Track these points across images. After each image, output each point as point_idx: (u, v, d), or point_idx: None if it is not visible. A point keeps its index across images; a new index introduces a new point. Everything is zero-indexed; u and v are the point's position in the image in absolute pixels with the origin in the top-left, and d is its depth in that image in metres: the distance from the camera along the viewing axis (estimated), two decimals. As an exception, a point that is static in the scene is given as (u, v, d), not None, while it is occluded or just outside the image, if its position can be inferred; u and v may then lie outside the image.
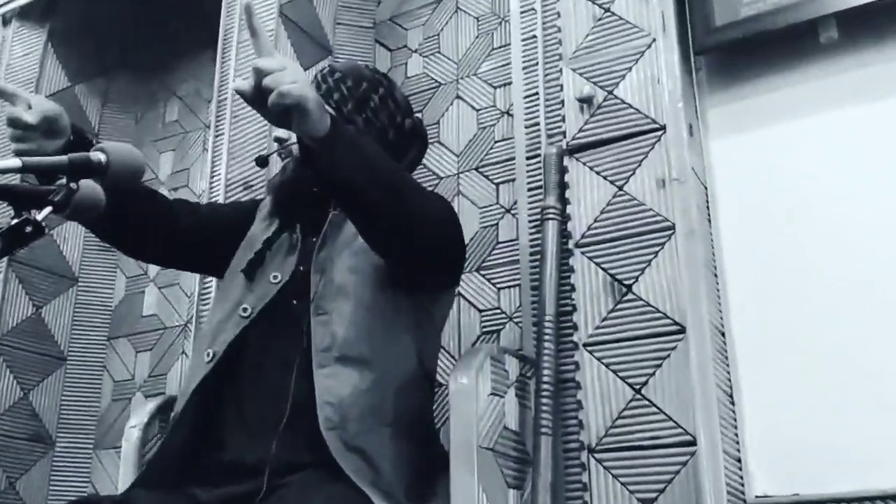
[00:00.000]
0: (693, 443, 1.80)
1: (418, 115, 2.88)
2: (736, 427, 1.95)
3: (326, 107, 1.58)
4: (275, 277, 1.89)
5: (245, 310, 1.86)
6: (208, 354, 1.85)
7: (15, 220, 1.38)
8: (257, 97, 1.50)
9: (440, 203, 1.92)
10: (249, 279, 1.92)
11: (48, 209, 1.40)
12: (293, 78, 1.49)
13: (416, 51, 3.07)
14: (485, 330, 2.55)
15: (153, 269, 3.51)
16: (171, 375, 3.26)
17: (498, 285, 2.57)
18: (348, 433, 1.68)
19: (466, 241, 2.52)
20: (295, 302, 1.85)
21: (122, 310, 3.53)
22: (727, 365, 1.99)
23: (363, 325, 1.79)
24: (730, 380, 1.98)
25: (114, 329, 3.51)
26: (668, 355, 1.88)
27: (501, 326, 2.52)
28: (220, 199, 2.75)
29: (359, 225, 1.75)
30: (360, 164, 1.64)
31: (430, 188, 2.76)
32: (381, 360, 1.78)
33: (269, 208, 2.06)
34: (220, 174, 2.82)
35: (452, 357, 2.54)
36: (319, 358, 1.74)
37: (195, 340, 1.97)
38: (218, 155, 2.86)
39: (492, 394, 1.91)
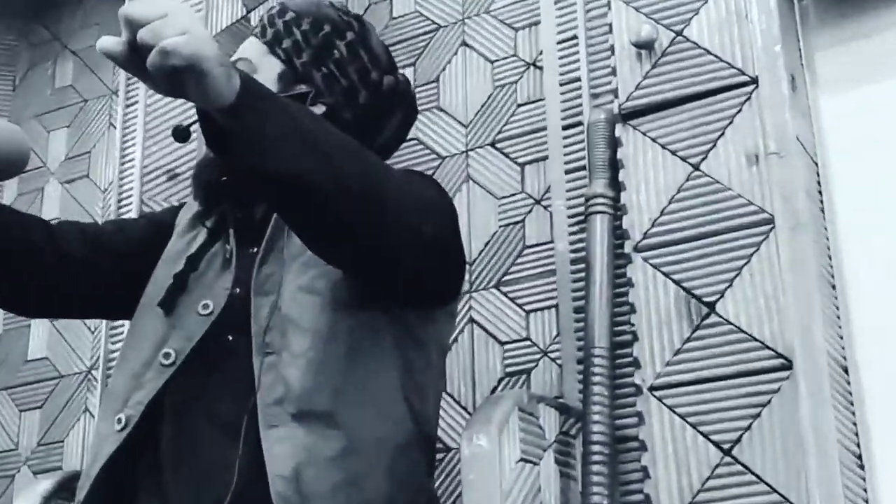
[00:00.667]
0: (807, 524, 1.80)
1: (406, 70, 2.89)
2: (867, 501, 1.94)
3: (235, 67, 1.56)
4: (205, 307, 1.87)
5: (168, 355, 1.85)
6: (119, 421, 1.84)
7: None
8: (132, 57, 1.47)
9: (428, 190, 1.90)
10: (169, 312, 1.91)
11: None
12: (181, 27, 1.43)
13: (404, -20, 3.08)
14: (509, 370, 2.54)
15: (42, 294, 3.51)
16: (69, 443, 3.25)
17: (526, 307, 2.56)
18: None
19: (481, 246, 2.52)
20: (231, 337, 1.84)
21: None
22: (853, 413, 1.99)
23: (327, 368, 1.77)
24: (857, 435, 1.97)
25: (-13, 379, 3.51)
26: (769, 401, 1.88)
27: (533, 364, 2.52)
28: (135, 193, 2.75)
29: (306, 236, 1.72)
30: (300, 142, 1.59)
31: (417, 169, 2.76)
32: (354, 416, 1.76)
33: (192, 213, 2.06)
34: (133, 159, 2.83)
35: (464, 408, 2.53)
36: (268, 415, 1.72)
37: (102, 400, 1.96)
38: (130, 132, 2.87)
39: (521, 460, 1.91)
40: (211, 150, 1.62)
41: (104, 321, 2.75)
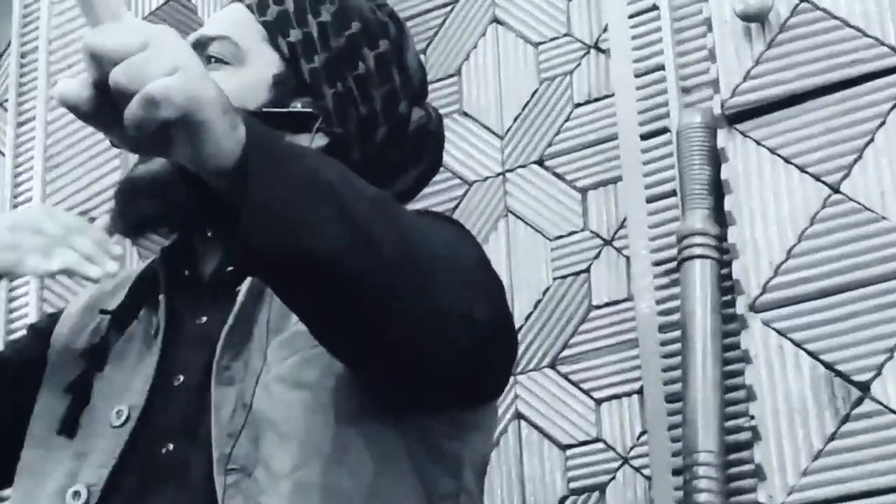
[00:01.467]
0: None
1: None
2: None
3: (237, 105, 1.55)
4: (119, 415, 1.88)
5: (77, 495, 1.86)
6: None
7: None
8: (101, 107, 1.43)
9: (472, 251, 1.87)
10: (72, 435, 1.92)
11: None
12: (170, 63, 1.39)
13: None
14: (574, 485, 2.55)
15: None
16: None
17: (596, 394, 2.57)
18: None
19: (529, 308, 2.53)
20: (169, 448, 1.84)
21: None
22: None
23: (320, 497, 1.78)
24: None
25: None
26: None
27: (609, 476, 2.52)
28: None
29: (323, 330, 1.71)
30: (327, 212, 1.48)
31: (444, 206, 2.76)
32: None
33: (83, 302, 2.10)
34: (31, 197, 2.84)
35: (512, 542, 2.54)
36: None
37: None
38: (25, 161, 2.88)
39: None
40: (209, 228, 1.66)
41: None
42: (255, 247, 1.45)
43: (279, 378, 1.79)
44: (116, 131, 1.38)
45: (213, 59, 1.95)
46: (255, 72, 1.96)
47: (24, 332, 2.50)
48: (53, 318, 2.15)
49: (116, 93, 1.32)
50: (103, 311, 1.99)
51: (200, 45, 1.95)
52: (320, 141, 1.94)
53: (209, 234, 1.90)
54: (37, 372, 2.03)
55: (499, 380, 1.95)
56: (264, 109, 1.90)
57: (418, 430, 1.85)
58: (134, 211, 1.95)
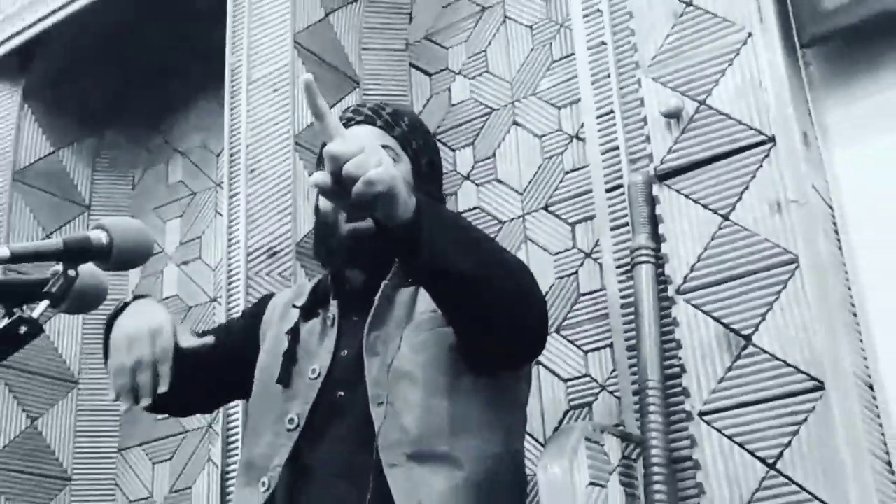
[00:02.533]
0: (847, 526, 1.76)
1: (466, 149, 2.92)
2: (899, 502, 1.91)
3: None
4: (313, 372, 1.91)
5: (292, 421, 1.88)
6: (263, 484, 1.87)
7: (6, 321, 1.40)
8: (338, 188, 1.52)
9: (529, 270, 1.94)
10: (286, 384, 1.94)
11: (44, 303, 1.42)
12: (377, 159, 1.51)
13: (459, 72, 3.10)
14: (573, 403, 2.53)
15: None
16: (196, 490, 3.27)
17: (584, 347, 2.56)
18: None
19: (542, 298, 2.53)
20: (342, 394, 1.87)
21: (134, 413, 3.55)
22: (880, 426, 1.95)
23: (439, 416, 1.79)
24: (885, 444, 1.94)
25: (125, 438, 3.54)
26: (805, 419, 1.85)
27: (593, 398, 2.50)
28: (241, 270, 2.78)
29: (462, 319, 1.79)
30: (464, 245, 1.70)
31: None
32: (467, 457, 1.78)
33: (284, 300, 2.13)
34: (238, 241, 2.85)
35: (537, 440, 2.52)
36: (388, 456, 1.74)
37: (240, 470, 1.98)
38: (235, 218, 2.89)
39: (591, 483, 1.90)
40: (397, 256, 1.74)
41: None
42: (426, 267, 1.64)
43: (411, 347, 1.86)
44: (342, 201, 1.54)
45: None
46: (404, 167, 2.03)
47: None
48: (262, 303, 2.21)
49: (347, 178, 1.50)
50: (295, 306, 2.06)
51: None
52: None
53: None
54: (253, 335, 2.13)
55: (541, 348, 1.98)
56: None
57: (497, 379, 1.89)
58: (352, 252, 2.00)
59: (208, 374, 2.00)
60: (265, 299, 2.23)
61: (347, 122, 2.11)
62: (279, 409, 1.92)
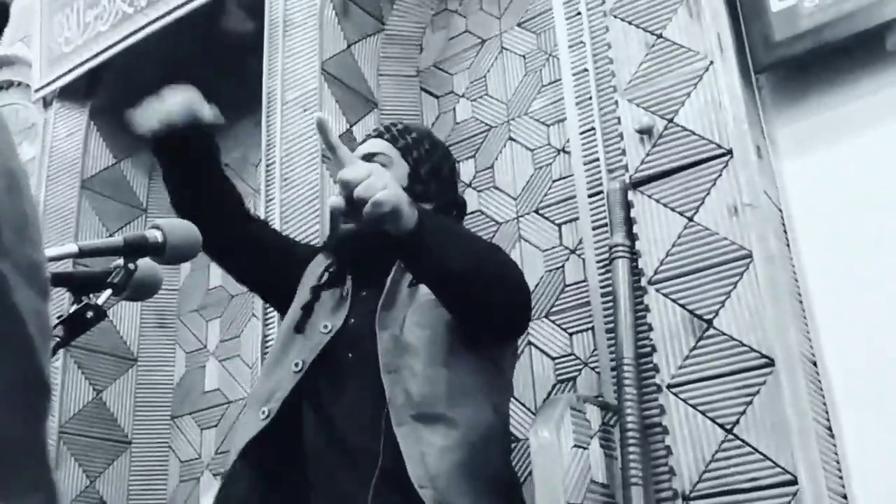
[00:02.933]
0: (794, 482, 1.76)
1: (469, 161, 2.92)
2: (838, 462, 1.90)
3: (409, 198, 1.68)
4: (325, 327, 1.94)
5: (297, 364, 1.90)
6: (263, 412, 1.87)
7: (75, 307, 1.42)
8: (351, 209, 1.57)
9: (513, 263, 2.00)
10: (300, 332, 1.96)
11: (108, 292, 1.44)
12: (383, 183, 1.56)
13: (463, 95, 3.10)
14: (560, 378, 2.54)
15: (212, 342, 3.55)
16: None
17: (569, 330, 2.56)
18: (438, 491, 1.69)
19: (532, 288, 2.53)
20: (350, 356, 1.88)
21: (184, 386, 3.57)
22: (822, 397, 1.96)
23: (438, 383, 1.81)
24: (827, 412, 1.94)
25: (177, 407, 3.56)
26: (758, 391, 1.86)
27: (577, 373, 2.51)
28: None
29: (454, 307, 1.83)
30: (459, 250, 1.75)
31: (487, 237, 2.77)
32: (462, 418, 1.79)
33: (323, 262, 2.14)
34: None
35: (529, 410, 2.53)
36: (397, 415, 1.76)
37: (248, 401, 1.99)
38: (270, 220, 2.90)
39: (575, 446, 1.91)
40: (402, 261, 1.84)
41: (258, 356, 2.79)
42: (426, 268, 1.73)
43: (416, 323, 1.87)
44: (355, 219, 1.61)
45: (380, 164, 2.01)
46: (399, 171, 2.04)
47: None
48: (315, 252, 2.23)
49: (358, 200, 1.56)
50: (328, 270, 2.09)
51: (368, 156, 2.03)
52: (429, 206, 2.03)
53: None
54: (297, 267, 2.17)
55: (524, 327, 1.98)
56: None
57: (486, 352, 1.90)
58: (342, 254, 2.05)
59: (247, 239, 2.16)
60: (317, 251, 2.25)
61: (367, 137, 2.18)
62: (291, 352, 1.95)
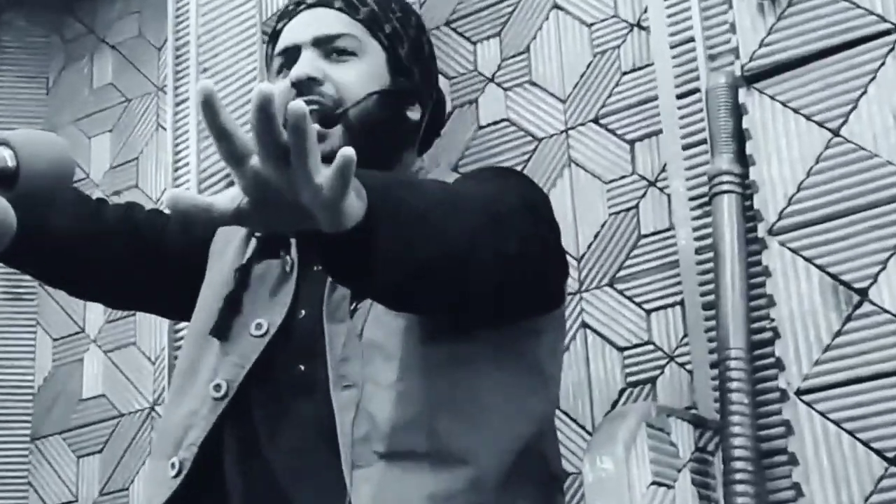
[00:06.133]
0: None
1: (491, 41, 2.92)
2: None
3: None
4: (258, 327, 1.92)
5: (218, 387, 1.89)
6: (173, 465, 1.88)
7: None
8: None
9: (507, 196, 1.84)
10: (224, 338, 1.96)
11: None
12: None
13: (482, -62, 3.09)
14: (631, 380, 2.55)
15: (94, 324, 3.57)
16: (135, 490, 3.30)
17: (646, 306, 2.57)
18: None
19: (590, 238, 2.54)
20: (302, 367, 1.88)
21: (51, 391, 3.59)
22: None
23: (419, 401, 1.80)
24: None
25: (39, 423, 3.57)
26: (939, 399, 1.88)
27: (658, 372, 2.52)
28: (191, 204, 2.79)
29: (455, 309, 1.76)
30: (424, 234, 1.53)
31: (519, 161, 2.77)
32: (455, 454, 1.79)
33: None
34: (188, 163, 2.86)
35: (583, 428, 2.54)
36: (353, 454, 1.75)
37: (155, 435, 2.01)
38: (182, 133, 2.91)
39: (654, 483, 1.92)
40: (335, 275, 1.60)
41: (166, 348, 2.81)
42: (383, 278, 1.50)
43: (384, 311, 1.79)
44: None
45: (343, 52, 1.98)
46: (373, 60, 2.01)
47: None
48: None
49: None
50: (253, 235, 2.04)
51: (325, 41, 1.99)
52: (415, 114, 2.01)
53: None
54: (198, 247, 2.16)
55: (553, 290, 1.96)
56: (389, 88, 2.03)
57: (497, 339, 1.88)
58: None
59: (103, 245, 2.09)
60: None
61: (296, 6, 2.12)
62: (209, 369, 1.94)
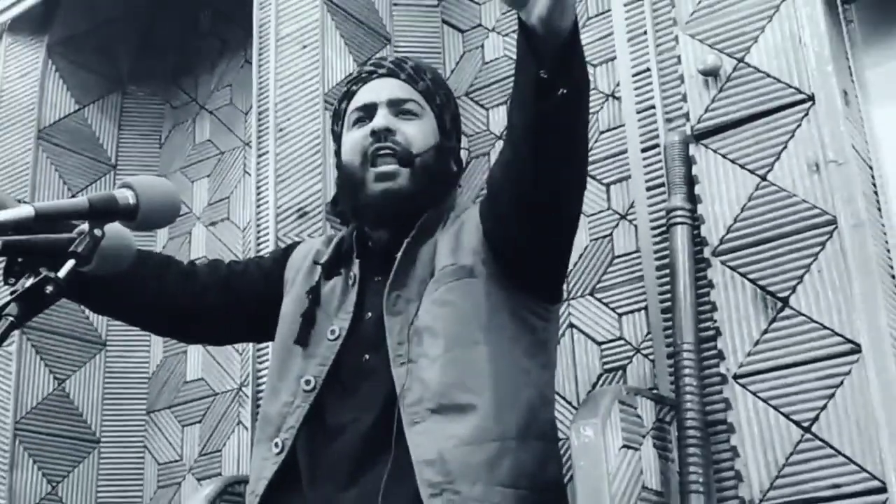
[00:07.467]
0: (883, 489, 1.79)
1: (499, 108, 2.93)
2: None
3: None
4: (332, 333, 1.95)
5: (308, 382, 1.92)
6: (276, 445, 1.91)
7: (32, 280, 1.39)
8: None
9: None
10: (303, 345, 1.98)
11: (70, 263, 1.41)
12: None
13: (493, 29, 3.10)
14: (607, 367, 2.55)
15: (194, 323, 3.58)
16: (226, 452, 3.31)
17: (618, 310, 2.57)
18: (459, 496, 1.71)
19: (574, 260, 2.54)
20: (367, 357, 1.91)
21: (162, 376, 3.60)
22: (918, 389, 1.97)
23: (461, 366, 1.83)
24: (924, 407, 1.96)
25: (153, 400, 3.59)
26: (841, 382, 1.88)
27: (627, 361, 2.53)
28: (271, 231, 2.80)
29: (555, 146, 1.75)
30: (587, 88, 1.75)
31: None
32: (489, 405, 1.80)
33: (311, 254, 2.13)
34: (267, 201, 2.86)
35: (570, 404, 2.55)
36: (410, 414, 1.78)
37: (258, 426, 2.02)
38: (263, 178, 2.91)
39: (624, 446, 1.93)
40: (547, 67, 1.64)
41: (250, 345, 2.81)
42: (575, 76, 1.65)
43: (433, 302, 1.88)
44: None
45: (409, 112, 2.03)
46: (429, 122, 2.04)
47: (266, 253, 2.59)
48: (288, 250, 2.22)
49: None
50: (317, 263, 2.07)
51: (397, 103, 2.04)
52: (455, 164, 2.03)
53: None
54: (275, 279, 2.15)
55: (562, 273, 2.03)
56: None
57: (524, 324, 1.92)
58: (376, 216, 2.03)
59: (193, 298, 2.10)
60: (290, 247, 2.24)
61: (370, 75, 2.12)
62: (297, 369, 1.97)
